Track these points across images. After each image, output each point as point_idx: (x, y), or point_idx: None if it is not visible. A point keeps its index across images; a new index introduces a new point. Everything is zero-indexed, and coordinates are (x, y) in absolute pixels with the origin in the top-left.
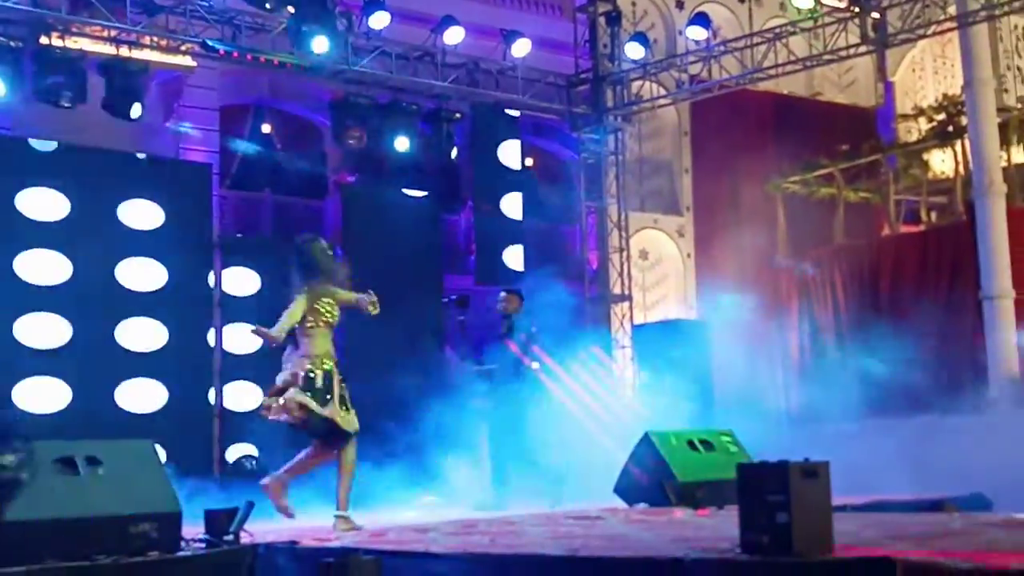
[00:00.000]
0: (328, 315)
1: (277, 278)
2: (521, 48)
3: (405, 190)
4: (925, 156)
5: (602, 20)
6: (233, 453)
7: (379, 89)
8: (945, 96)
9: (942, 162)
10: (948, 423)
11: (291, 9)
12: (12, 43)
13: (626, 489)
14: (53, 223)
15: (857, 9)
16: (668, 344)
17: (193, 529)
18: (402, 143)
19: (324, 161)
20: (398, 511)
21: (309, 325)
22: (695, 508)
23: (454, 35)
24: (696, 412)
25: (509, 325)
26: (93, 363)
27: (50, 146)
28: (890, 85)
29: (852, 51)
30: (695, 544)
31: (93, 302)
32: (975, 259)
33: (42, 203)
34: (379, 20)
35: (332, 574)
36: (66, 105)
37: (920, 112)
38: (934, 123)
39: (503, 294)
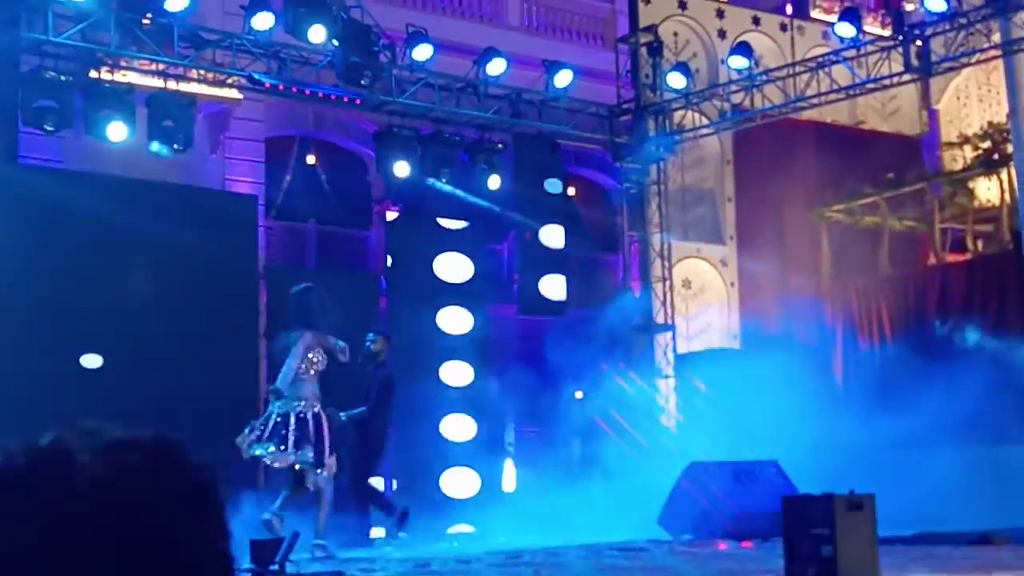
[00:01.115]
0: (319, 364)
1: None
2: (563, 79)
3: (448, 220)
4: (971, 184)
5: (644, 50)
6: None
7: (422, 120)
8: (990, 124)
9: (988, 190)
10: (997, 454)
11: (335, 42)
12: (63, 77)
13: (670, 520)
14: (99, 252)
15: (900, 38)
16: (711, 373)
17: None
18: (445, 174)
19: (368, 191)
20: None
21: (301, 371)
22: (739, 540)
23: (497, 66)
24: (740, 442)
25: (379, 366)
26: (138, 389)
27: (101, 179)
28: (934, 113)
29: (896, 80)
30: None
31: (136, 331)
32: (1022, 287)
33: (90, 233)
34: (422, 52)
35: None
36: (115, 138)
37: (965, 140)
38: (979, 151)
39: (372, 335)
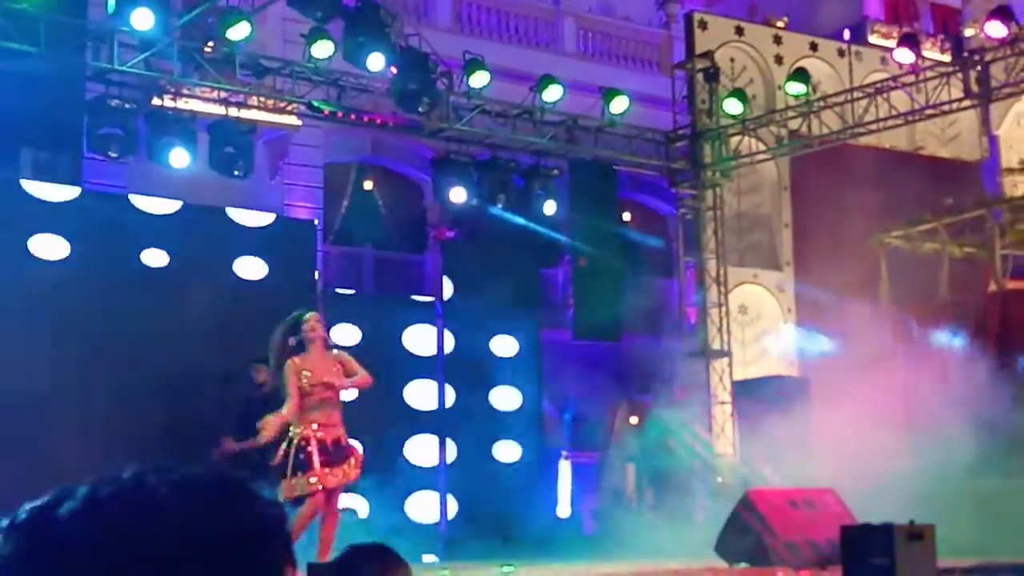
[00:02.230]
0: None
1: (378, 331)
2: (619, 104)
3: (503, 245)
4: None
5: (700, 76)
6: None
7: (479, 146)
8: None
9: None
10: None
11: (394, 70)
12: (127, 105)
13: (727, 548)
14: (160, 277)
15: (960, 63)
16: (768, 400)
17: None
18: (501, 199)
19: (424, 216)
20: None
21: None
22: (796, 568)
23: (553, 93)
24: (798, 470)
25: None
26: (197, 416)
27: (162, 205)
28: (995, 139)
29: (955, 105)
30: None
31: (196, 357)
32: None
33: (151, 258)
34: (479, 79)
35: None
36: (177, 164)
37: None
38: None
39: (256, 364)
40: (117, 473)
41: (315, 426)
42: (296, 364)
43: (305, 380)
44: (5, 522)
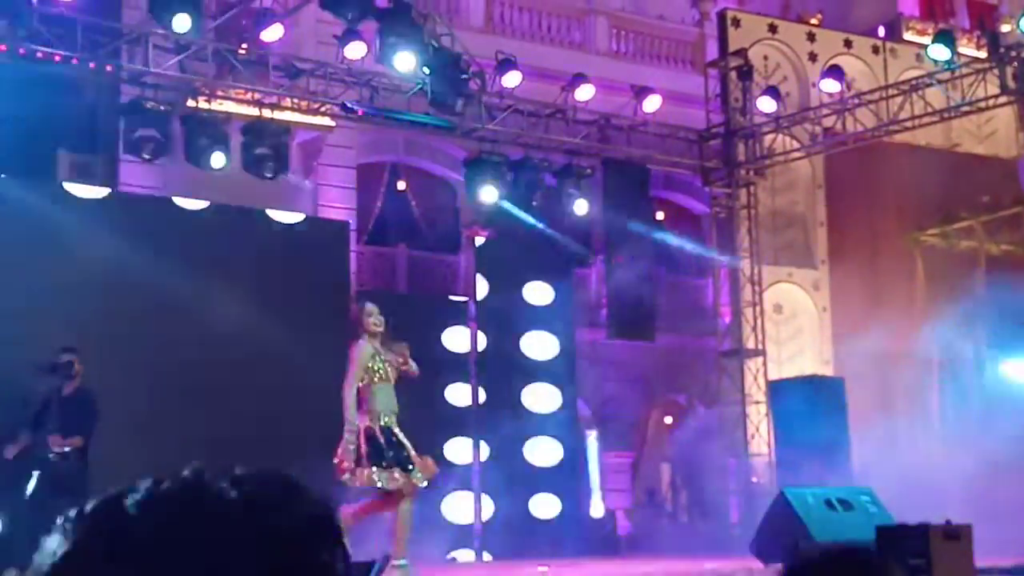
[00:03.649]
0: (381, 371)
1: (411, 331)
2: (652, 103)
3: (537, 245)
4: None
5: (734, 74)
6: None
7: (511, 146)
8: None
9: None
10: None
11: (426, 70)
12: (162, 107)
13: (762, 547)
14: (195, 277)
15: (996, 59)
16: (804, 399)
17: None
18: (534, 199)
19: (457, 216)
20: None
21: (364, 383)
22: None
23: (585, 92)
24: (834, 469)
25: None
26: (233, 415)
27: (198, 205)
28: None
29: (991, 102)
30: None
31: (230, 356)
32: None
33: (187, 258)
34: (512, 79)
35: None
36: (214, 166)
37: None
38: None
39: (74, 356)
40: (174, 472)
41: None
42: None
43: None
44: (72, 513)
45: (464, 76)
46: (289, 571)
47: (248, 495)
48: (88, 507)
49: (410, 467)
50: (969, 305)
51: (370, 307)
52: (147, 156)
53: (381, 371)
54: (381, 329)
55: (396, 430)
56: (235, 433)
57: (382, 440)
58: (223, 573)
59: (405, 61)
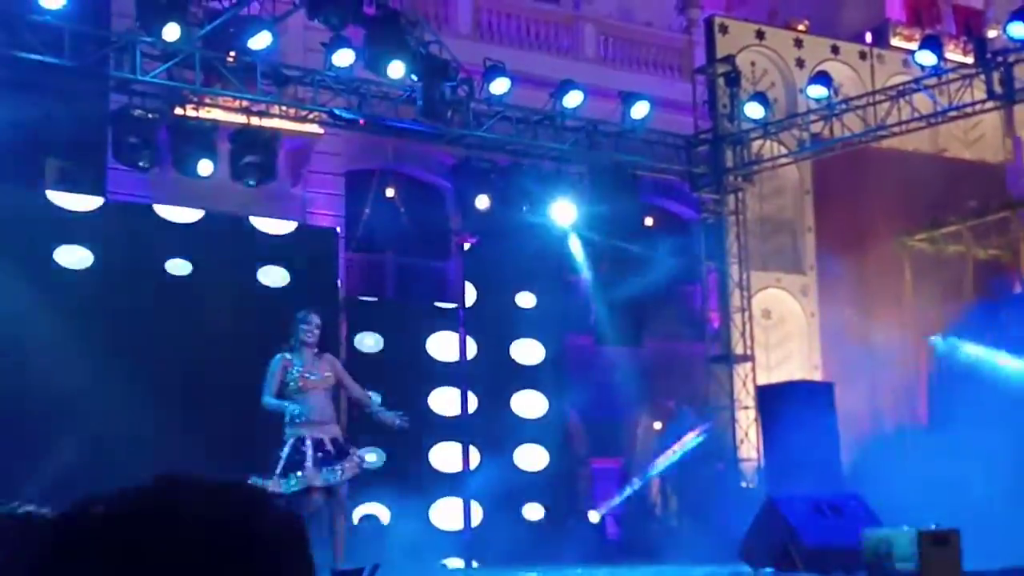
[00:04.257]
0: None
1: (400, 338)
2: (640, 110)
3: (526, 252)
4: None
5: (721, 80)
6: (359, 512)
7: (500, 153)
8: None
9: None
10: None
11: (414, 77)
12: (150, 115)
13: (751, 552)
14: (184, 284)
15: (983, 65)
16: (793, 404)
17: None
18: (523, 206)
19: (446, 223)
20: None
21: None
22: (822, 573)
23: (573, 98)
24: (823, 474)
25: None
26: (222, 423)
27: (185, 215)
28: (1019, 140)
29: (978, 107)
30: None
31: (218, 365)
32: None
33: (174, 266)
34: (500, 86)
35: None
36: (200, 173)
37: None
38: None
39: None
40: (140, 482)
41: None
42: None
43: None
44: (28, 508)
45: (452, 83)
46: None
47: (214, 506)
48: (52, 515)
49: (298, 473)
50: (959, 309)
51: (301, 315)
52: (137, 164)
53: (293, 383)
54: (308, 340)
55: (307, 441)
56: (224, 440)
57: (286, 450)
58: None
59: (393, 68)
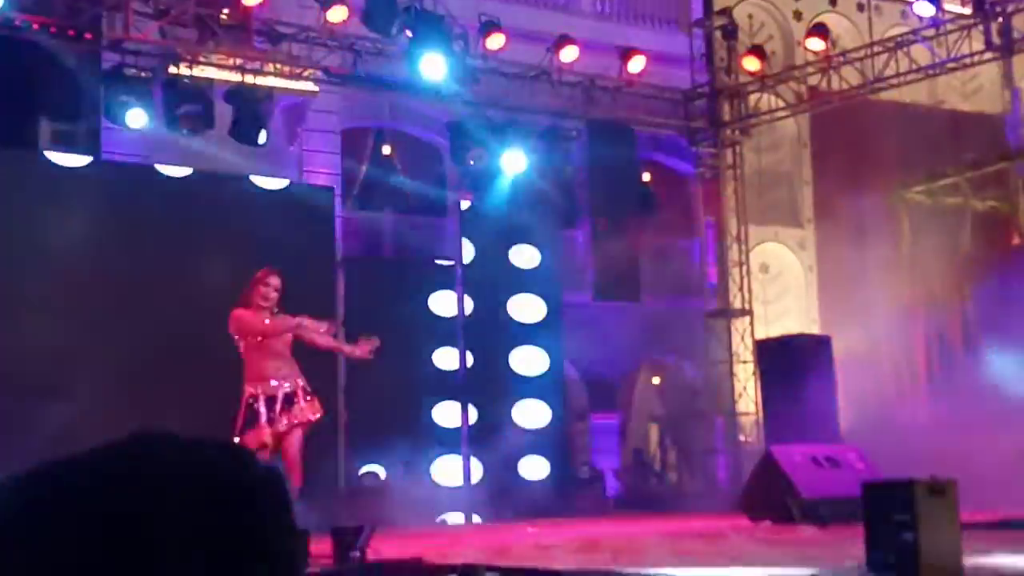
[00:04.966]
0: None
1: (399, 296)
2: (637, 64)
3: (523, 208)
4: None
5: (718, 34)
6: (358, 471)
7: (496, 109)
8: None
9: None
10: None
11: (409, 33)
12: (143, 74)
13: (750, 505)
14: (179, 245)
15: (981, 16)
16: (791, 358)
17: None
18: (519, 162)
19: (443, 181)
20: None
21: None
22: (820, 525)
23: (569, 53)
24: (821, 427)
25: None
26: (220, 380)
27: (182, 172)
28: (1017, 91)
29: (976, 58)
30: (819, 563)
31: (215, 323)
32: None
33: (170, 226)
34: (495, 41)
35: None
36: (195, 132)
37: None
38: None
39: None
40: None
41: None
42: None
43: None
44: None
45: (447, 39)
46: (239, 531)
47: (189, 462)
48: (27, 471)
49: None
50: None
51: (261, 275)
52: (129, 124)
53: (252, 341)
54: (266, 305)
55: (261, 398)
56: (224, 400)
57: (259, 405)
58: (163, 535)
59: (388, 24)
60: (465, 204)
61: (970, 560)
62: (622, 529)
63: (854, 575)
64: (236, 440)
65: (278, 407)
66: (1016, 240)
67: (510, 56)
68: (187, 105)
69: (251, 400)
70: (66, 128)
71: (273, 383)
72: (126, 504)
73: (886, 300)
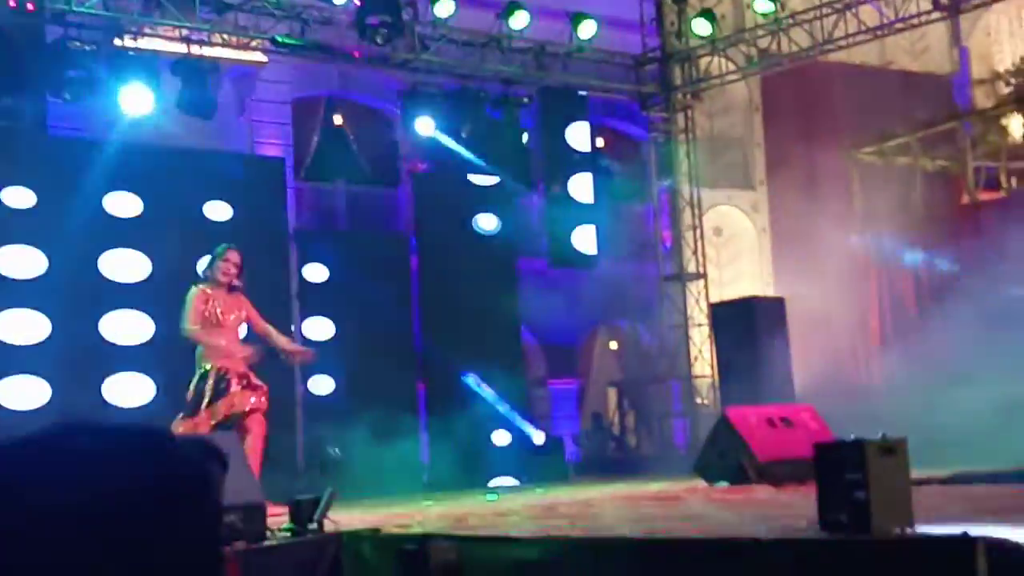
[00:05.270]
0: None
1: (353, 268)
2: (587, 29)
3: (476, 176)
4: (1003, 122)
5: None
6: (315, 442)
7: (447, 77)
8: (1022, 59)
9: (1021, 127)
10: None
11: (358, 1)
12: (87, 47)
13: (706, 467)
14: (131, 220)
15: None
16: (745, 320)
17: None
18: (472, 129)
19: (396, 150)
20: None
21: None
22: (775, 486)
23: (520, 19)
24: (776, 388)
25: None
26: (173, 356)
27: (128, 147)
28: (965, 51)
29: (924, 18)
30: (774, 523)
31: (174, 298)
32: None
33: (121, 203)
34: (445, 8)
35: (412, 561)
36: (140, 105)
37: (996, 77)
38: (1011, 87)
39: None
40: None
41: None
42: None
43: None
44: None
45: (396, 6)
46: (160, 517)
47: (110, 450)
48: None
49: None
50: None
51: (220, 250)
52: (74, 98)
53: (213, 317)
54: (226, 280)
55: (229, 371)
56: (175, 382)
57: (211, 381)
58: (84, 524)
59: None
60: (420, 173)
61: (920, 515)
62: (578, 495)
63: (808, 535)
64: (206, 410)
65: (244, 384)
66: (965, 199)
67: (460, 23)
68: (133, 78)
69: (223, 372)
70: (10, 103)
71: (237, 363)
72: (35, 491)
73: (839, 261)
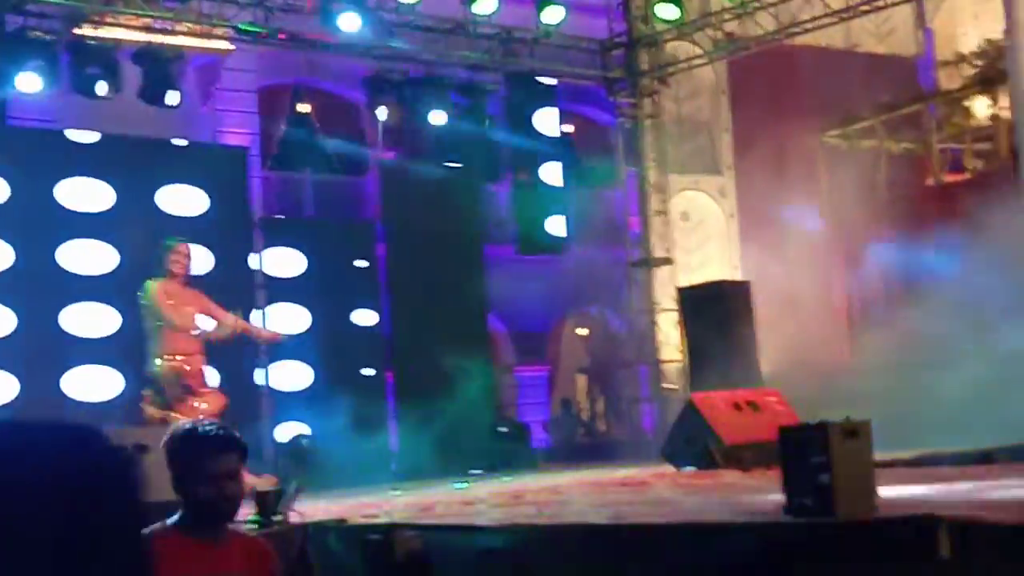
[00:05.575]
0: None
1: (320, 257)
2: (554, 15)
3: (443, 163)
4: (967, 103)
5: None
6: (285, 433)
7: (413, 63)
8: (987, 41)
9: (988, 107)
10: (1004, 372)
11: None
12: (47, 36)
13: (674, 453)
14: (96, 214)
15: None
16: (712, 305)
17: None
18: (438, 116)
19: (363, 138)
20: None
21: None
22: (742, 470)
23: (486, 5)
24: (743, 372)
25: None
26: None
27: (91, 137)
28: (929, 33)
29: (889, 0)
30: (740, 508)
31: (132, 290)
32: (1022, 203)
33: (84, 194)
34: None
35: (377, 550)
36: (103, 96)
37: (961, 59)
38: (975, 69)
39: None
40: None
41: None
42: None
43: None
44: None
45: None
46: (87, 507)
47: (29, 446)
48: None
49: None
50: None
51: (170, 244)
52: (36, 88)
53: (169, 314)
54: (176, 270)
55: (186, 369)
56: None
57: (175, 378)
58: (8, 524)
59: None
60: (386, 161)
61: (884, 497)
62: (548, 481)
63: (773, 518)
64: (196, 402)
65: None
66: (931, 181)
67: (426, 9)
68: (93, 68)
69: (177, 373)
70: None
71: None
72: None
73: (806, 244)
